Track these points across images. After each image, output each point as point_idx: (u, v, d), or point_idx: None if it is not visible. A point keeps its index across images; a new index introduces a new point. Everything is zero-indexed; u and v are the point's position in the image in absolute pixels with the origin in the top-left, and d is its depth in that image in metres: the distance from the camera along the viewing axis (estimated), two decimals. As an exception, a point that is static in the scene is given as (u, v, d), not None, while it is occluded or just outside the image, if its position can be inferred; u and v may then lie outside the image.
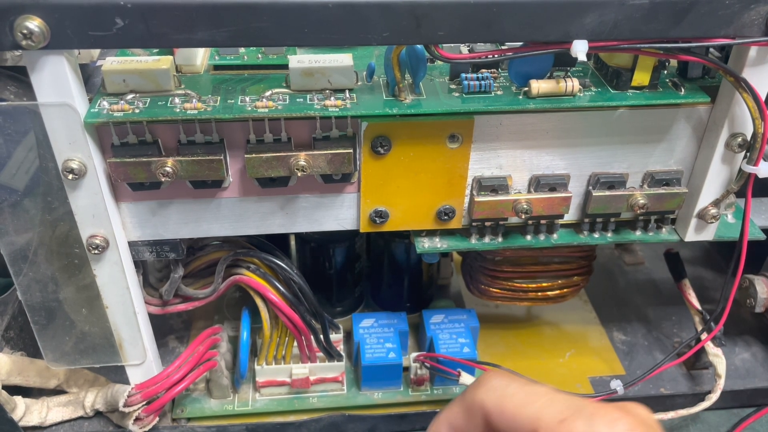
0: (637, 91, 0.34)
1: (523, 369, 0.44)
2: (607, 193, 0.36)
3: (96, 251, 0.33)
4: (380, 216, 0.36)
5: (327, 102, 0.32)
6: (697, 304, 0.44)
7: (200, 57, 0.35)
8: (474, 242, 0.38)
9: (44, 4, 0.26)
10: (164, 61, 0.32)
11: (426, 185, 0.35)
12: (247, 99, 0.32)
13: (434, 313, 0.45)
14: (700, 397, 0.43)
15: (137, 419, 0.39)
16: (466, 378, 0.39)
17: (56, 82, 0.28)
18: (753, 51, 0.31)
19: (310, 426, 0.42)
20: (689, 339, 0.43)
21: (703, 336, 0.42)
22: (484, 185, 0.35)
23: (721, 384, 0.42)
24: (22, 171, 0.31)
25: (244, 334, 0.41)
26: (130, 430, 0.39)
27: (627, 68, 0.34)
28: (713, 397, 0.42)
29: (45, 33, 0.26)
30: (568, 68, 0.35)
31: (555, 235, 0.38)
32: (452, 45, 0.36)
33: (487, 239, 0.38)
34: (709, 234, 0.38)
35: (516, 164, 0.36)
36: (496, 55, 0.32)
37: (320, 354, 0.42)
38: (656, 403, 0.44)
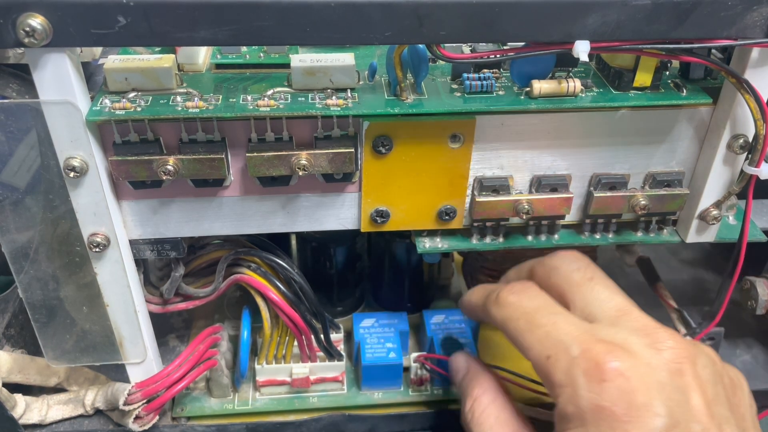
0: (639, 92, 0.34)
1: (524, 369, 0.44)
2: (609, 194, 0.36)
3: (97, 249, 0.33)
4: (381, 216, 0.36)
5: (329, 101, 0.32)
6: (673, 303, 0.45)
7: (202, 56, 0.35)
8: (475, 242, 0.38)
9: (47, 2, 0.26)
10: (166, 60, 0.32)
11: (427, 185, 0.35)
12: (249, 98, 0.32)
13: (435, 314, 0.45)
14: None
15: (137, 417, 0.39)
16: None
17: (58, 80, 0.28)
18: (755, 52, 0.31)
19: (310, 426, 0.42)
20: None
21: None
22: (485, 185, 0.35)
23: None
24: (24, 169, 0.31)
25: (245, 333, 0.41)
26: (130, 429, 0.39)
27: (629, 69, 0.34)
28: None
29: (47, 30, 0.26)
30: (570, 69, 0.35)
31: (556, 236, 0.38)
32: (454, 45, 0.36)
33: (488, 239, 0.38)
34: (710, 235, 0.38)
35: (517, 164, 0.36)
36: (498, 55, 0.32)
37: (320, 353, 0.42)
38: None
